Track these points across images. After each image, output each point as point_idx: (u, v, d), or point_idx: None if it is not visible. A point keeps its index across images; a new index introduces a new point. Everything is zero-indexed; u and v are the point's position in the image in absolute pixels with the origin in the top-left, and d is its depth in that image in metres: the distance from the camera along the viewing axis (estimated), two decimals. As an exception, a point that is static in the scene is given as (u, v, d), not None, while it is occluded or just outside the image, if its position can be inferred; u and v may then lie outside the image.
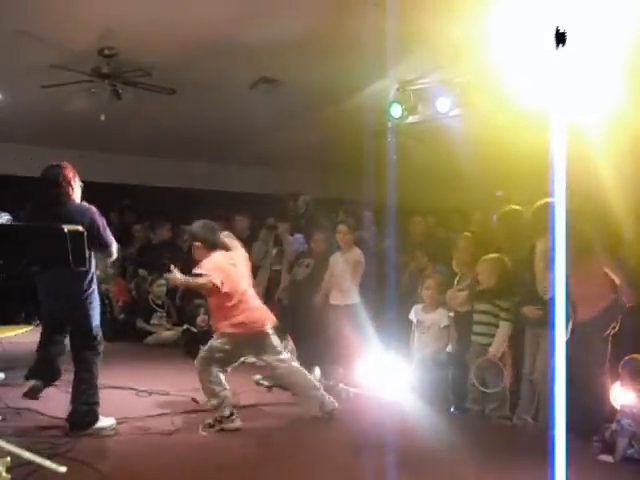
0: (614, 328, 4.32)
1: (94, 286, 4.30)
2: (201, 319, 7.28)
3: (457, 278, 5.57)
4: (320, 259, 7.00)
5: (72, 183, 4.23)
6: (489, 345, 4.90)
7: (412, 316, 5.62)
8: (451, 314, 5.44)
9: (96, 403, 4.21)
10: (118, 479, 3.50)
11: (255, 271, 8.00)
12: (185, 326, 7.86)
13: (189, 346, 7.27)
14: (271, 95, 7.81)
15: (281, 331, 6.71)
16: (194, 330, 7.30)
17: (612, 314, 4.34)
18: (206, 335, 7.13)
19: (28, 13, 5.70)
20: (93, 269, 4.25)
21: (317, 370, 5.70)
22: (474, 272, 5.24)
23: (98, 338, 4.35)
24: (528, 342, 4.77)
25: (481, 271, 5.04)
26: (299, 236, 7.73)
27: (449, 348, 5.45)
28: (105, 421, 4.23)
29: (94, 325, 4.29)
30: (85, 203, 4.26)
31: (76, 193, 4.27)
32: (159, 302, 8.37)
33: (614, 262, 4.43)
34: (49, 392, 4.49)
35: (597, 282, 4.34)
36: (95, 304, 4.31)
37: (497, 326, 4.90)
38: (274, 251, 7.96)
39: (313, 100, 7.80)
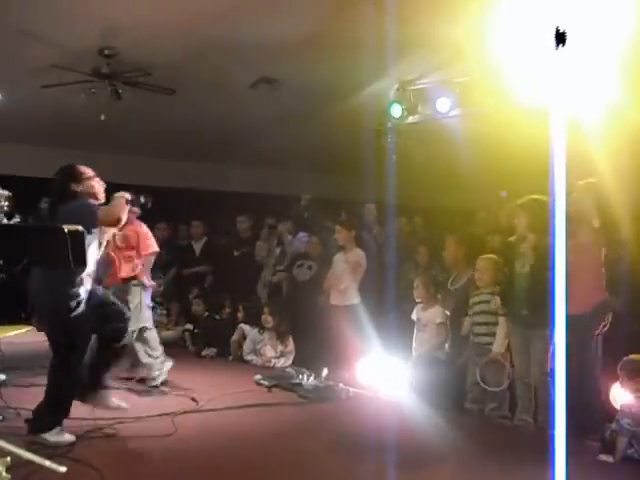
0: (604, 327, 4.33)
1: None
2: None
3: (451, 278, 5.60)
4: (320, 261, 7.01)
5: (74, 181, 4.06)
6: (489, 344, 4.90)
7: (414, 315, 5.64)
8: (447, 312, 5.46)
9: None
10: (118, 479, 3.50)
11: (259, 270, 8.06)
12: (186, 325, 7.89)
13: (196, 344, 7.35)
14: (271, 95, 7.81)
15: (282, 331, 6.76)
16: (217, 318, 7.58)
17: (602, 312, 4.33)
18: (227, 324, 7.32)
19: (28, 13, 5.70)
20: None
21: (325, 370, 5.72)
22: (467, 272, 5.34)
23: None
24: (517, 344, 4.72)
25: (479, 269, 5.07)
26: (301, 235, 7.72)
27: (447, 347, 5.47)
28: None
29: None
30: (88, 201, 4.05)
31: (80, 191, 4.06)
32: (158, 300, 8.36)
33: (610, 259, 4.44)
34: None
35: (591, 278, 4.35)
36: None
37: (495, 324, 4.90)
38: (277, 251, 7.96)
39: (313, 100, 7.81)
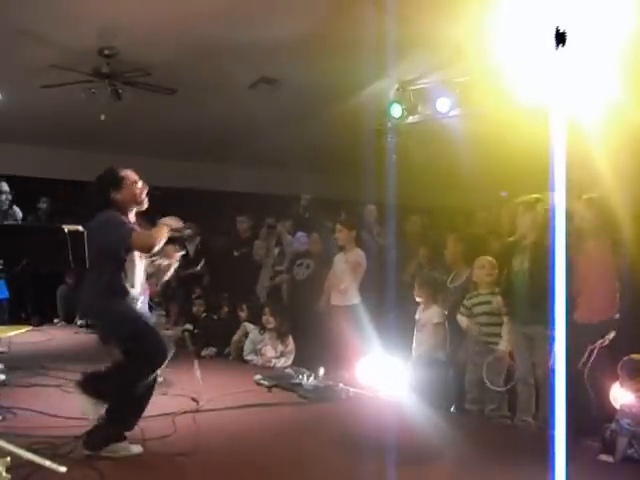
0: (602, 344, 4.32)
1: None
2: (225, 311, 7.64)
3: (451, 276, 5.61)
4: (318, 260, 7.00)
5: (115, 187, 3.83)
6: (492, 344, 4.90)
7: (417, 315, 5.64)
8: (445, 312, 5.47)
9: None
10: (118, 479, 3.50)
11: (259, 270, 8.07)
12: (186, 325, 7.89)
13: (195, 344, 7.35)
14: (271, 95, 7.81)
15: (283, 331, 6.77)
16: (215, 318, 7.58)
17: (606, 328, 4.34)
18: (225, 324, 7.35)
19: (28, 13, 5.71)
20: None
21: (322, 370, 5.71)
22: (466, 270, 5.36)
23: None
24: (519, 344, 4.71)
25: (484, 266, 5.08)
26: (300, 235, 7.71)
27: (447, 347, 5.47)
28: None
29: None
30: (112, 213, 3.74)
31: (118, 198, 3.81)
32: (157, 301, 8.35)
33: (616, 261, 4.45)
34: (49, 392, 4.49)
35: (601, 292, 4.35)
36: None
37: (499, 325, 4.91)
38: (276, 251, 7.96)
39: (313, 100, 7.81)
